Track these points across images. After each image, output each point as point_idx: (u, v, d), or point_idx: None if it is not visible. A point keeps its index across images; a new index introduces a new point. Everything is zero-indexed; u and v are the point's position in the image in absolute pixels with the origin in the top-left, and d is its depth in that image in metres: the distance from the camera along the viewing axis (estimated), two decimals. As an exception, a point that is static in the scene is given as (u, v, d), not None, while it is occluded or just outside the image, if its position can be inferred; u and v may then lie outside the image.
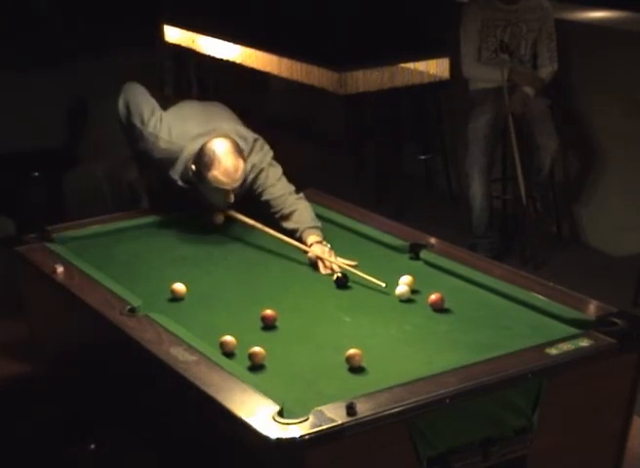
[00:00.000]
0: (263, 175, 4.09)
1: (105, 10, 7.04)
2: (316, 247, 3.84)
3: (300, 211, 4.03)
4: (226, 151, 3.91)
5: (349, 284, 3.61)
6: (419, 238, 3.90)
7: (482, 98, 5.82)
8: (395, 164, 6.91)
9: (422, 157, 6.96)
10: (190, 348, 3.08)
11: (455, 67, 4.49)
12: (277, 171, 4.13)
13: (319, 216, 4.07)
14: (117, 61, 6.40)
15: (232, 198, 3.96)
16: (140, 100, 4.23)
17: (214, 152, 3.90)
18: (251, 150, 4.09)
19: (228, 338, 3.14)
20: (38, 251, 3.89)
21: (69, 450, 4.06)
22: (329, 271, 3.73)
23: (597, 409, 3.08)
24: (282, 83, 6.24)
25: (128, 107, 4.22)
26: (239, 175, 3.92)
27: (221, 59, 4.68)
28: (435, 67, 4.04)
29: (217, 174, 3.89)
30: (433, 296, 3.40)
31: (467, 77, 5.87)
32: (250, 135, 4.15)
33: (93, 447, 4.04)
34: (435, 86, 4.96)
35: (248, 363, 3.06)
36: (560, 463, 3.06)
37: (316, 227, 3.97)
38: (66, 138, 6.40)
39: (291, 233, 3.97)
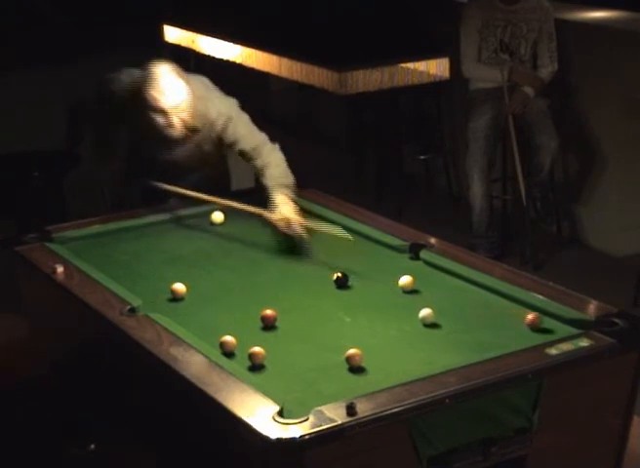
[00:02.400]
0: (232, 124, 4.11)
1: (105, 10, 7.05)
2: (282, 207, 3.86)
3: (272, 166, 4.06)
4: (164, 71, 3.94)
5: (349, 284, 3.61)
6: (419, 238, 3.90)
7: (482, 98, 5.82)
8: (395, 164, 6.91)
9: (422, 157, 6.96)
10: (190, 348, 3.08)
11: (455, 67, 4.49)
12: (246, 119, 4.16)
13: (319, 216, 4.08)
14: (117, 61, 6.39)
15: (178, 127, 3.97)
16: None
17: (152, 72, 3.94)
18: (216, 97, 4.14)
19: (228, 338, 3.14)
20: (38, 251, 3.89)
21: (69, 450, 4.06)
22: (291, 232, 3.76)
23: (597, 409, 3.08)
24: (282, 83, 6.24)
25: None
26: (179, 96, 3.92)
27: (221, 59, 4.68)
28: (435, 67, 4.04)
29: (154, 93, 3.90)
30: (530, 316, 3.21)
31: (467, 77, 5.87)
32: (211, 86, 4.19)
33: (93, 447, 4.04)
34: (435, 86, 4.96)
35: (248, 363, 3.06)
36: (560, 463, 3.06)
37: (285, 185, 4.00)
38: (66, 138, 6.39)
39: (264, 189, 4.01)
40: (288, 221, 3.81)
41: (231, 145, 4.13)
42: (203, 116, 4.08)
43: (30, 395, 4.50)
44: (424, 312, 3.28)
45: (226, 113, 4.11)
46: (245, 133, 4.12)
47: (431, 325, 3.28)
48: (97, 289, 3.54)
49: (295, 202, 3.91)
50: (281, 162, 4.10)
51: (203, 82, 4.19)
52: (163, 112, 3.92)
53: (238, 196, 4.19)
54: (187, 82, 3.98)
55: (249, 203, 4.04)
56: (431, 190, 7.10)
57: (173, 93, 3.91)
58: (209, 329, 3.29)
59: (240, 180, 5.29)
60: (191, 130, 4.03)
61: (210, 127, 4.11)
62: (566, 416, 3.01)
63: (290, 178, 4.05)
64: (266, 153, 4.09)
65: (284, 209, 3.85)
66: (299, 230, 3.76)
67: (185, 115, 3.95)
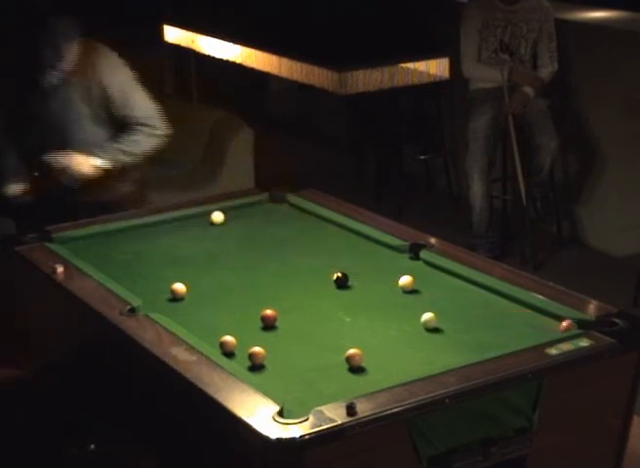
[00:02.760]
0: (127, 95, 4.23)
1: (105, 10, 7.03)
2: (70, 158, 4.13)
3: (131, 137, 4.20)
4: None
5: (349, 284, 3.61)
6: (419, 238, 3.90)
7: (482, 98, 5.83)
8: (395, 164, 6.91)
9: (422, 157, 6.97)
10: (190, 348, 3.08)
11: (455, 67, 4.49)
12: (142, 94, 4.28)
13: (319, 216, 4.08)
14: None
15: (68, 61, 4.16)
16: None
17: None
18: (116, 63, 4.29)
19: (228, 338, 3.14)
20: (38, 251, 3.89)
21: (69, 450, 4.06)
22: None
23: (597, 408, 3.08)
24: (282, 83, 6.24)
25: None
26: (71, 31, 4.19)
27: (221, 59, 4.68)
28: (435, 67, 4.04)
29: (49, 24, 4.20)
30: (565, 324, 3.16)
31: (467, 77, 5.87)
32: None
33: (93, 447, 4.04)
34: (435, 86, 4.95)
35: (248, 363, 3.06)
36: (560, 463, 3.06)
37: (114, 156, 4.18)
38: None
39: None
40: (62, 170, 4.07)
41: (123, 117, 4.23)
42: (91, 65, 4.20)
43: (30, 395, 4.50)
44: (426, 316, 3.27)
45: (123, 81, 4.25)
46: (138, 105, 4.24)
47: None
48: (97, 289, 3.54)
49: (115, 178, 4.18)
50: (144, 143, 4.24)
51: (112, 51, 4.33)
52: (53, 45, 4.14)
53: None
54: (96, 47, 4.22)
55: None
56: (431, 190, 7.10)
57: (66, 28, 4.17)
58: (209, 329, 3.29)
59: (236, 181, 5.29)
60: (74, 71, 4.18)
61: (96, 83, 4.19)
62: (566, 416, 3.01)
63: (130, 158, 4.19)
64: (142, 130, 4.22)
65: (69, 159, 4.11)
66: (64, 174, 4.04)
67: (74, 49, 4.16)
